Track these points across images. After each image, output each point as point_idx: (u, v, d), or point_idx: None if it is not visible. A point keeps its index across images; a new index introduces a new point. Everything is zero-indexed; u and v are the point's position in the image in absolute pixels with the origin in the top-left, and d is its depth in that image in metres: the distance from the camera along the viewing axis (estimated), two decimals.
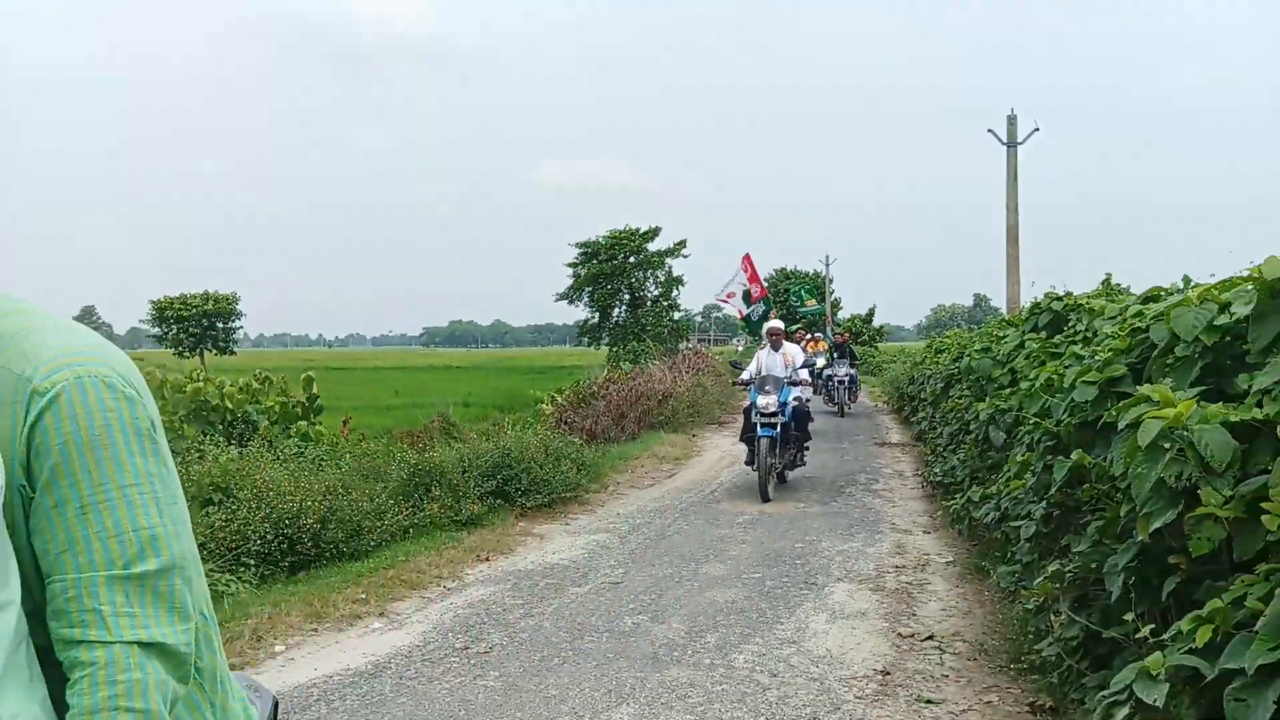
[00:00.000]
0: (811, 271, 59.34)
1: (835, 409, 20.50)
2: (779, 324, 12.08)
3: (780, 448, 10.39)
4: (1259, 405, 2.91)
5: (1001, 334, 9.13)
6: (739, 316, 17.16)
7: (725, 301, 19.31)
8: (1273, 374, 2.66)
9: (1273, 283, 3.14)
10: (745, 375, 11.29)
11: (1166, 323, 3.66)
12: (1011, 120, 21.30)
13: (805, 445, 11.40)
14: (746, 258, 18.85)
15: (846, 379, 20.45)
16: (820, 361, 21.05)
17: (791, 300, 26.45)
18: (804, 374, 11.40)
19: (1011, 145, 21.18)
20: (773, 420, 10.18)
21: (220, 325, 51.52)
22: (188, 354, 50.50)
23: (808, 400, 11.64)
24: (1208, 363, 3.50)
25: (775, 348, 11.25)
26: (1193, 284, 5.63)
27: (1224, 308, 3.44)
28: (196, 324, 50.12)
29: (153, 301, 50.83)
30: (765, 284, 17.44)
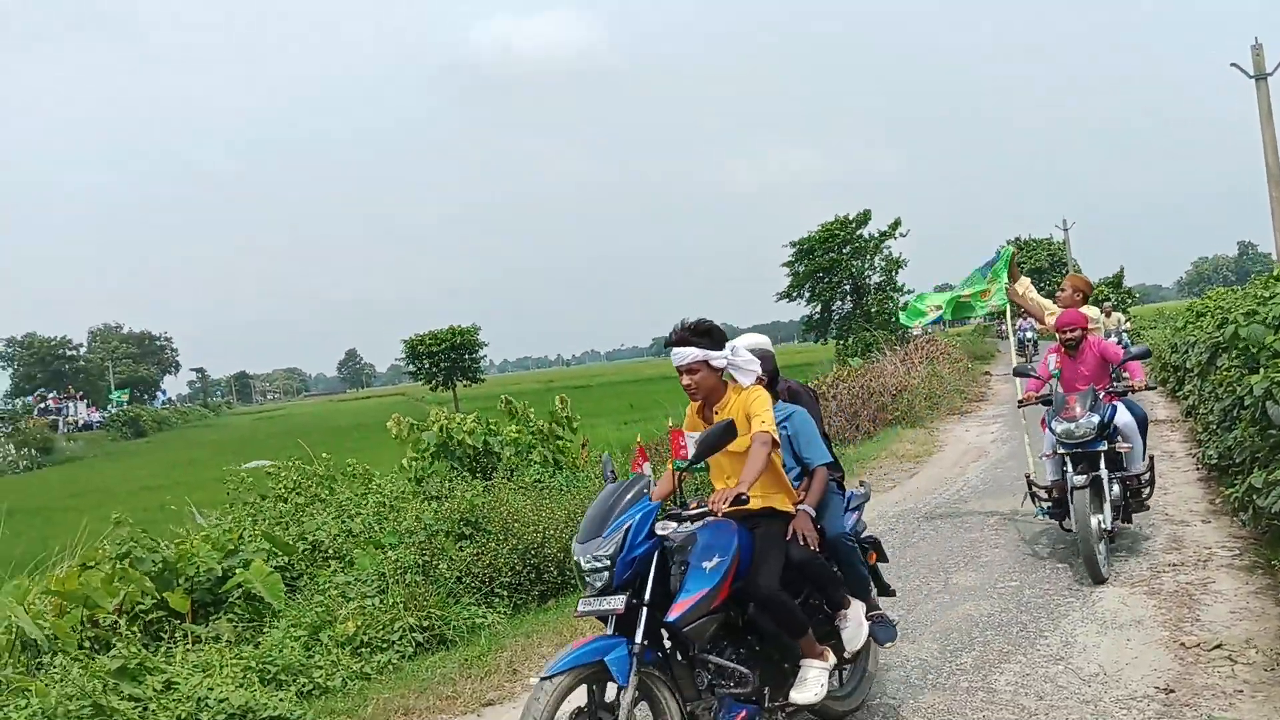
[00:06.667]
0: (1047, 238, 55.87)
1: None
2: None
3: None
4: None
5: (1270, 293, 8.16)
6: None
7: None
8: None
9: None
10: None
11: None
12: (1257, 50, 19.15)
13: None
14: None
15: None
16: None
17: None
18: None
19: (1260, 78, 19.04)
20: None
21: (467, 356, 54.45)
22: (441, 386, 53.79)
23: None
24: None
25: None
26: None
27: None
28: (445, 357, 53.22)
29: (404, 340, 54.44)
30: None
